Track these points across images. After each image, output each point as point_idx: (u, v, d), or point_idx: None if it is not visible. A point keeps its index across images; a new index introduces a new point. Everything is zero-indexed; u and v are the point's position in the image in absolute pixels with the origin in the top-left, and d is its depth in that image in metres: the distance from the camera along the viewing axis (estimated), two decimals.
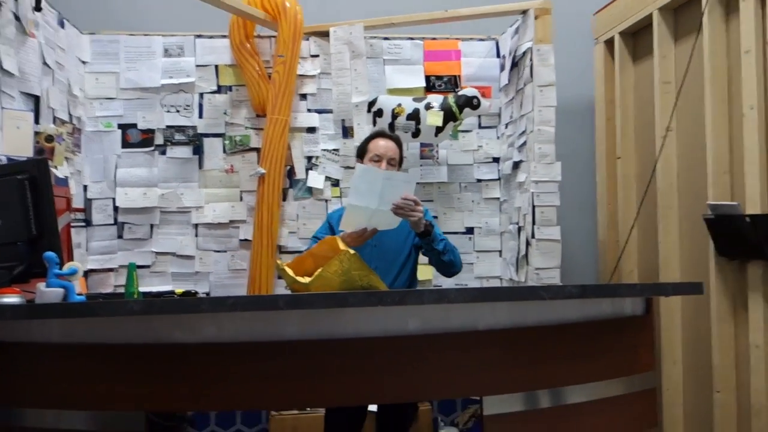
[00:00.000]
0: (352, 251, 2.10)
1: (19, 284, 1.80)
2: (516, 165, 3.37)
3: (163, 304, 1.52)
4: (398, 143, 2.65)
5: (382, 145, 2.60)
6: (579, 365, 1.89)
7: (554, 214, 3.15)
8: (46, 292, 1.72)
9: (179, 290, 2.12)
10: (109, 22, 3.51)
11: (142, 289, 3.32)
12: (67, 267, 1.75)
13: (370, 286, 2.20)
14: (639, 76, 3.38)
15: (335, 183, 3.54)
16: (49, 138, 2.65)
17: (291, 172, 3.52)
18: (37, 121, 2.71)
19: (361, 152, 2.68)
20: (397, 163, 2.62)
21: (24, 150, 2.50)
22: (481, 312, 1.83)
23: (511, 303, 1.83)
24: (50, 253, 1.72)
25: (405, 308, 1.74)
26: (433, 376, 1.77)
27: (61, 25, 3.07)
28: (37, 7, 2.63)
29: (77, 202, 3.26)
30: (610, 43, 3.54)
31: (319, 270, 2.11)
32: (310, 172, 3.52)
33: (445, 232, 3.51)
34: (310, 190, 3.53)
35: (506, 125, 3.54)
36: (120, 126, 3.43)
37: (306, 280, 2.14)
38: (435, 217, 3.34)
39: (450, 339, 1.79)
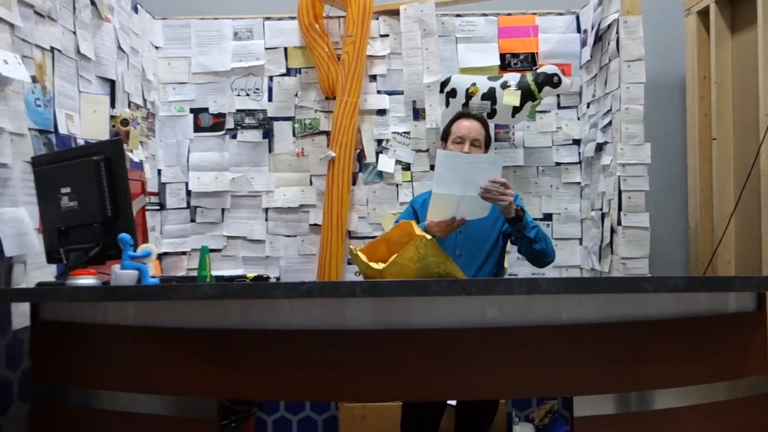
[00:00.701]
0: (428, 236, 1.99)
1: (95, 266, 1.78)
2: (600, 147, 3.17)
3: (237, 288, 1.46)
4: (483, 123, 2.50)
5: (465, 125, 2.46)
6: (678, 366, 1.72)
7: (642, 200, 2.95)
8: (121, 274, 1.69)
9: (251, 275, 2.07)
10: (180, 7, 3.50)
11: (213, 272, 3.34)
12: (141, 249, 1.72)
13: (447, 273, 2.08)
14: (738, 49, 3.10)
15: (406, 167, 3.44)
16: (125, 122, 2.66)
17: (361, 156, 3.43)
18: (112, 105, 2.72)
19: (445, 135, 2.55)
20: (482, 144, 2.47)
21: (100, 134, 2.51)
22: (568, 304, 1.69)
23: (604, 295, 1.68)
24: (125, 235, 1.70)
25: (487, 298, 1.62)
26: (517, 373, 1.64)
27: (135, 10, 3.07)
28: None
29: (151, 186, 3.28)
30: (704, 14, 3.28)
31: (394, 256, 2.01)
32: (380, 155, 3.43)
33: None
34: (380, 174, 3.44)
35: (588, 104, 3.34)
36: (192, 110, 3.43)
37: (380, 266, 2.05)
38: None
39: (536, 333, 1.66)
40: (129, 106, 2.92)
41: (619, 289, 1.59)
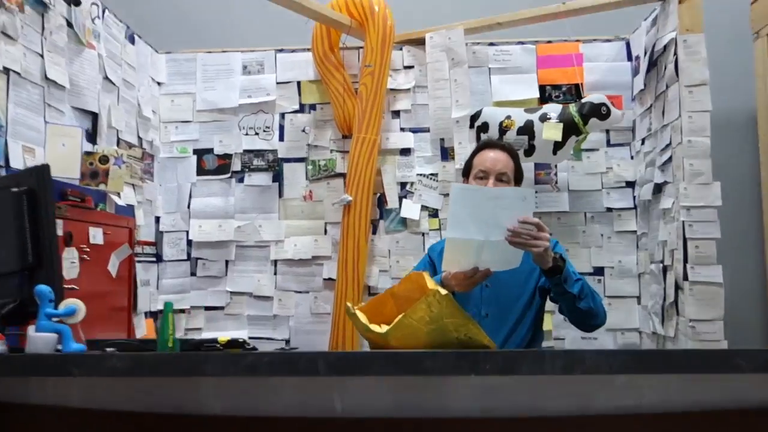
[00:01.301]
0: (443, 292, 1.55)
1: (15, 326, 1.41)
2: (658, 188, 2.70)
3: (154, 362, 1.06)
4: (512, 154, 2.07)
5: (489, 157, 2.04)
6: None
7: (713, 249, 2.45)
8: (35, 337, 1.31)
9: (223, 338, 1.66)
10: (187, 41, 3.23)
11: (206, 334, 2.94)
12: (64, 305, 1.33)
13: (469, 339, 1.63)
14: None
15: (434, 213, 3.02)
16: (104, 159, 2.34)
17: (382, 201, 3.04)
18: (93, 141, 2.41)
19: (466, 170, 2.13)
20: (511, 179, 2.03)
21: (70, 170, 2.19)
22: (626, 386, 1.21)
23: (679, 376, 1.20)
24: (42, 287, 1.32)
25: (509, 380, 1.17)
26: None
27: (131, 40, 2.81)
28: (76, 2, 2.28)
29: (147, 235, 2.95)
30: None
31: (400, 316, 1.58)
32: (404, 200, 3.03)
33: None
34: (404, 222, 3.03)
35: (642, 140, 2.89)
36: (195, 151, 3.12)
37: (383, 329, 1.61)
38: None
39: (577, 426, 1.19)
40: (118, 144, 2.62)
41: (698, 368, 1.11)
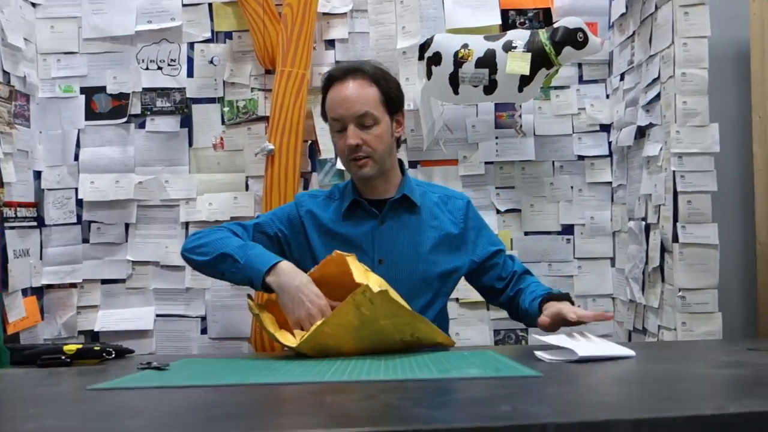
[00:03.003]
0: (376, 288, 1.09)
1: None
2: (641, 132, 2.28)
3: None
4: (369, 76, 1.55)
5: (338, 98, 1.54)
6: None
7: (708, 205, 2.05)
8: None
9: (70, 347, 1.17)
10: None
11: (104, 312, 2.44)
12: None
13: (417, 339, 1.19)
14: None
15: None
16: None
17: (314, 150, 2.54)
18: None
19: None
20: (379, 118, 1.52)
21: None
22: None
23: None
24: None
25: None
26: None
27: None
28: None
29: (23, 194, 2.39)
30: None
31: (318, 324, 1.12)
32: None
33: (533, 232, 2.53)
34: (341, 174, 2.54)
35: (622, 75, 2.45)
36: (83, 90, 2.54)
37: (294, 341, 1.15)
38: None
39: None
40: None
41: None
